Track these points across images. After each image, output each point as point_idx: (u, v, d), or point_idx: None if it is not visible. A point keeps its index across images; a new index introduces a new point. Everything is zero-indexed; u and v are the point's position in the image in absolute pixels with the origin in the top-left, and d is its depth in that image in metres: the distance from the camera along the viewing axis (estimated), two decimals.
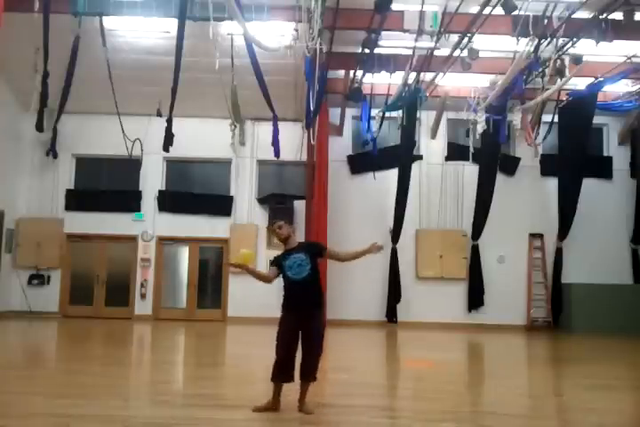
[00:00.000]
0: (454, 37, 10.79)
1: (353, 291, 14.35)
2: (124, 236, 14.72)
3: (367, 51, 11.33)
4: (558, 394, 6.87)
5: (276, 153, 12.74)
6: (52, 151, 14.36)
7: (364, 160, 14.72)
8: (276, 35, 11.59)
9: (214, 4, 8.84)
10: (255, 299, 14.26)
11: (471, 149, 13.77)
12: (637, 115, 14.42)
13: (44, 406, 5.24)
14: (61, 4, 10.55)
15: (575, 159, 13.97)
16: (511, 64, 10.04)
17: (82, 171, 15.20)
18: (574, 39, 10.50)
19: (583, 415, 5.53)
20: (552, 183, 14.80)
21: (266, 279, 5.34)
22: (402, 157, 14.22)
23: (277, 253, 5.56)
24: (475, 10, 9.81)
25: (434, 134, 14.29)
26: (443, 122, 14.34)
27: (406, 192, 14.17)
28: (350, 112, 14.89)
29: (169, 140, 11.32)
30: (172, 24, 10.52)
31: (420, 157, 15.12)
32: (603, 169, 15.32)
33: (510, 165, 15.14)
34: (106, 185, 15.12)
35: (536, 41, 10.03)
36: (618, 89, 13.42)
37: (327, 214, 13.45)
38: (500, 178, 14.64)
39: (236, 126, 14.02)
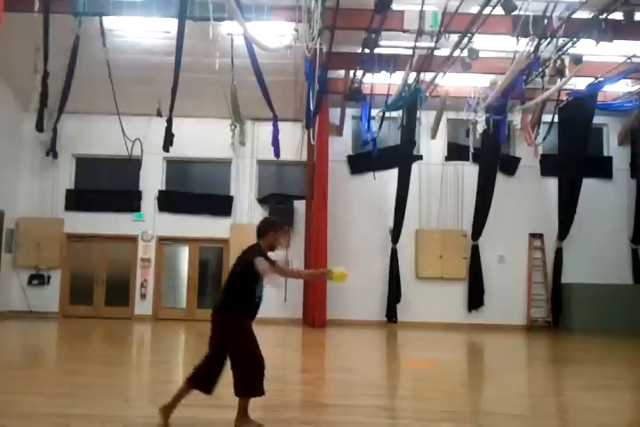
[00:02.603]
0: (454, 37, 10.80)
1: (353, 291, 14.33)
2: (124, 236, 14.72)
3: (367, 51, 11.33)
4: (558, 394, 6.88)
5: (276, 153, 12.76)
6: (51, 151, 14.37)
7: (364, 160, 14.72)
8: (276, 35, 11.60)
9: (214, 4, 8.86)
10: None
11: (471, 149, 13.79)
12: (637, 115, 14.42)
13: (43, 406, 5.23)
14: (61, 4, 10.57)
15: (575, 159, 13.98)
16: (511, 64, 10.05)
17: (82, 171, 15.20)
18: (574, 39, 10.51)
19: (583, 415, 5.53)
20: (552, 183, 14.80)
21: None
22: (402, 156, 14.22)
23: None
24: (475, 10, 9.82)
25: (434, 134, 14.29)
26: (443, 122, 14.33)
27: (406, 192, 14.17)
28: (350, 112, 14.90)
29: (169, 140, 11.33)
30: (172, 24, 10.54)
31: (420, 157, 15.12)
32: (603, 169, 15.32)
33: (510, 165, 15.15)
34: (106, 185, 15.12)
35: (536, 41, 10.03)
36: (618, 89, 13.42)
37: (327, 214, 13.45)
38: (500, 178, 14.64)
39: (235, 126, 14.04)
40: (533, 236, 15.08)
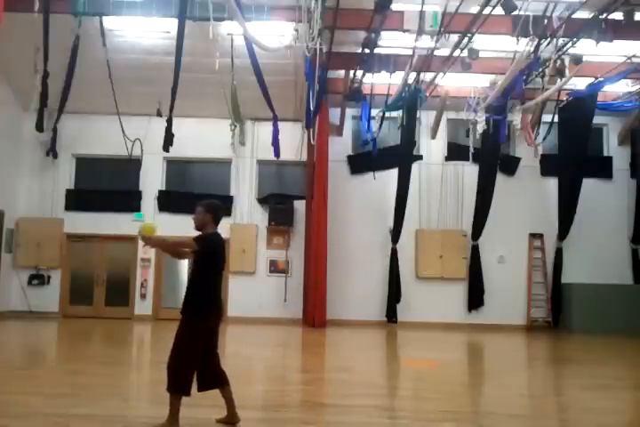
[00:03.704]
0: (454, 37, 10.79)
1: (353, 291, 14.35)
2: (124, 236, 14.69)
3: (367, 51, 11.33)
4: (558, 394, 6.88)
5: (276, 153, 12.76)
6: (51, 151, 14.36)
7: (364, 160, 14.72)
8: (276, 35, 11.60)
9: (214, 4, 8.86)
10: (255, 299, 14.29)
11: (471, 149, 13.79)
12: (637, 115, 14.42)
13: (43, 406, 5.24)
14: (61, 3, 10.57)
15: (575, 159, 13.97)
16: (511, 64, 10.05)
17: (82, 171, 15.19)
18: (574, 39, 10.50)
19: (583, 415, 5.53)
20: (552, 183, 14.80)
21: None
22: (402, 156, 14.22)
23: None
24: (475, 10, 9.82)
25: (434, 134, 14.29)
26: (443, 122, 14.33)
27: (406, 192, 14.17)
28: (350, 112, 14.89)
29: (169, 140, 11.33)
30: (172, 24, 10.53)
31: (420, 157, 15.12)
32: (603, 169, 15.31)
33: (510, 165, 15.14)
34: (106, 185, 15.11)
35: (536, 41, 10.03)
36: (618, 89, 13.42)
37: (327, 214, 13.45)
38: (500, 178, 14.64)
39: (235, 126, 14.04)
40: (533, 236, 15.07)
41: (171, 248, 4.87)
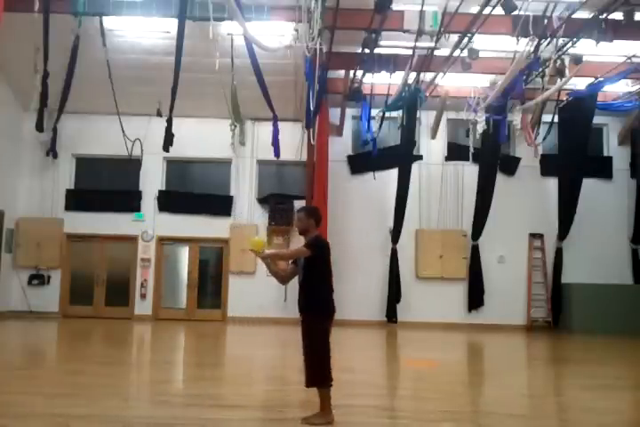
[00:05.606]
0: (454, 37, 10.79)
1: (353, 291, 14.32)
2: (124, 236, 14.71)
3: (367, 51, 11.32)
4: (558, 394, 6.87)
5: (276, 153, 12.77)
6: (51, 151, 14.36)
7: (364, 160, 14.72)
8: (276, 35, 11.60)
9: (214, 4, 8.86)
10: (255, 299, 14.29)
11: (471, 149, 13.79)
12: (637, 115, 14.42)
13: (44, 406, 5.24)
14: (61, 4, 10.56)
15: (575, 159, 13.97)
16: (511, 64, 10.05)
17: (82, 171, 15.18)
18: (574, 39, 10.50)
19: (583, 415, 5.53)
20: (552, 183, 14.80)
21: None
22: (402, 156, 14.22)
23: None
24: (475, 10, 9.81)
25: (434, 134, 14.29)
26: (443, 122, 14.33)
27: (406, 192, 14.16)
28: (350, 112, 14.89)
29: (169, 140, 11.33)
30: (172, 24, 10.53)
31: (420, 157, 15.12)
32: (603, 169, 15.31)
33: (510, 165, 15.14)
34: (106, 185, 15.09)
35: (536, 41, 10.02)
36: (618, 89, 13.42)
37: (327, 214, 13.44)
38: (500, 178, 14.63)
39: (235, 126, 14.03)
40: (533, 236, 15.07)
41: (287, 259, 5.18)
